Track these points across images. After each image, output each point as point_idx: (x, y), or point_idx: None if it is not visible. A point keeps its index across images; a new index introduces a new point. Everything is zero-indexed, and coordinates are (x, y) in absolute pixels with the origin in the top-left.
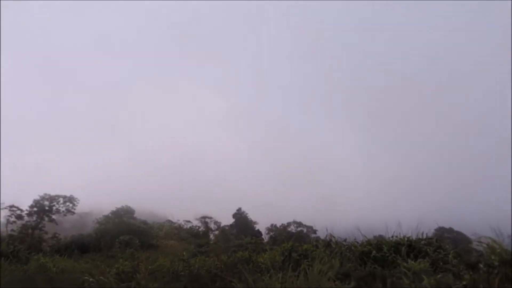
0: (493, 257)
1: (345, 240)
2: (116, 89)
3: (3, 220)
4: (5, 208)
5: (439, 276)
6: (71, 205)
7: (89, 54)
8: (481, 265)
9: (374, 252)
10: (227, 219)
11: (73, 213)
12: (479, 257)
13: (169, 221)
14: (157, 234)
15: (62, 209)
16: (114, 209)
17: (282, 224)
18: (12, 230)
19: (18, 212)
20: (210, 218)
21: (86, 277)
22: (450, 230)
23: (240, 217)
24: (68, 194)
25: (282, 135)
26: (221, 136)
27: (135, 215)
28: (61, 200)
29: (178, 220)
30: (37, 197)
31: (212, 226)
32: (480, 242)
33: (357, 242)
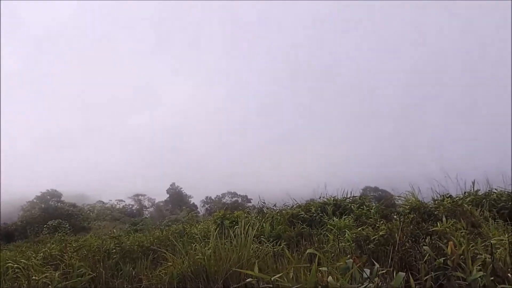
0: (404, 208)
1: (275, 205)
2: None
3: None
4: None
5: (359, 229)
6: None
7: None
8: (394, 215)
9: (303, 213)
10: (161, 195)
11: None
12: (394, 209)
13: (101, 201)
14: (88, 216)
15: None
16: (39, 194)
17: (217, 195)
18: None
19: None
20: (144, 195)
21: (9, 264)
22: (376, 189)
23: (175, 192)
24: None
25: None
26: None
27: (62, 199)
28: None
29: (110, 200)
30: None
31: (146, 203)
32: (399, 196)
33: (288, 207)
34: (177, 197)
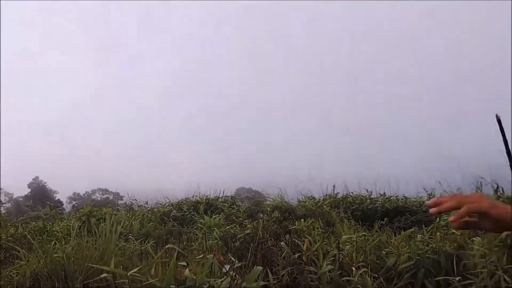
0: (269, 208)
1: (146, 203)
2: None
3: None
4: None
5: (228, 227)
6: None
7: None
8: (260, 214)
9: (175, 212)
10: (22, 190)
11: None
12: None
13: None
14: None
15: None
16: None
17: (86, 191)
18: None
19: None
20: None
21: None
22: (249, 190)
23: (38, 187)
24: None
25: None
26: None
27: None
28: None
29: None
30: None
31: (2, 198)
32: (268, 196)
33: (160, 205)
34: (40, 192)
